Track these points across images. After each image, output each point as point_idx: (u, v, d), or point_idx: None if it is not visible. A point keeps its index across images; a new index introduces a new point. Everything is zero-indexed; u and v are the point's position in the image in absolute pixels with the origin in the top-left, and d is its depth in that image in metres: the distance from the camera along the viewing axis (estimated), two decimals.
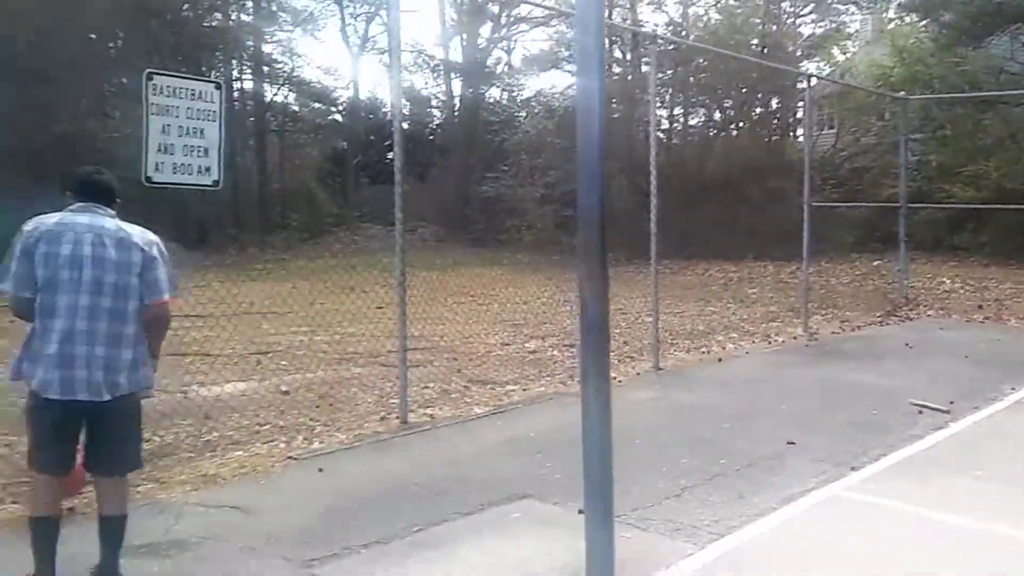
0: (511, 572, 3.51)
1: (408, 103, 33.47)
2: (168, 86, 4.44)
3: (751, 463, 5.03)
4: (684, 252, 18.36)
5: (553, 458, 5.12)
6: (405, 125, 33.39)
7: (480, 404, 6.59)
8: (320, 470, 4.89)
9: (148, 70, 4.39)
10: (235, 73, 26.42)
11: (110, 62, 22.92)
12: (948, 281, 15.01)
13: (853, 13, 24.67)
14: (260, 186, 27.88)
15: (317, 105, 32.03)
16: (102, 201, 3.37)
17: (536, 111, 22.93)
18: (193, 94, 4.53)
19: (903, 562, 3.66)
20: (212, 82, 4.79)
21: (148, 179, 4.53)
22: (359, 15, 30.10)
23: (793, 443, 5.44)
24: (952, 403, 6.52)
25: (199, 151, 4.64)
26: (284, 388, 7.04)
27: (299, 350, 9.15)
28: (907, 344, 9.54)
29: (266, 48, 26.57)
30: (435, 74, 32.62)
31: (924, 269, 15.61)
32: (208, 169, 4.71)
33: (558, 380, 7.50)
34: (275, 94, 28.55)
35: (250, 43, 25.54)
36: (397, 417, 6.05)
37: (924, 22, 18.69)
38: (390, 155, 33.22)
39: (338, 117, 33.48)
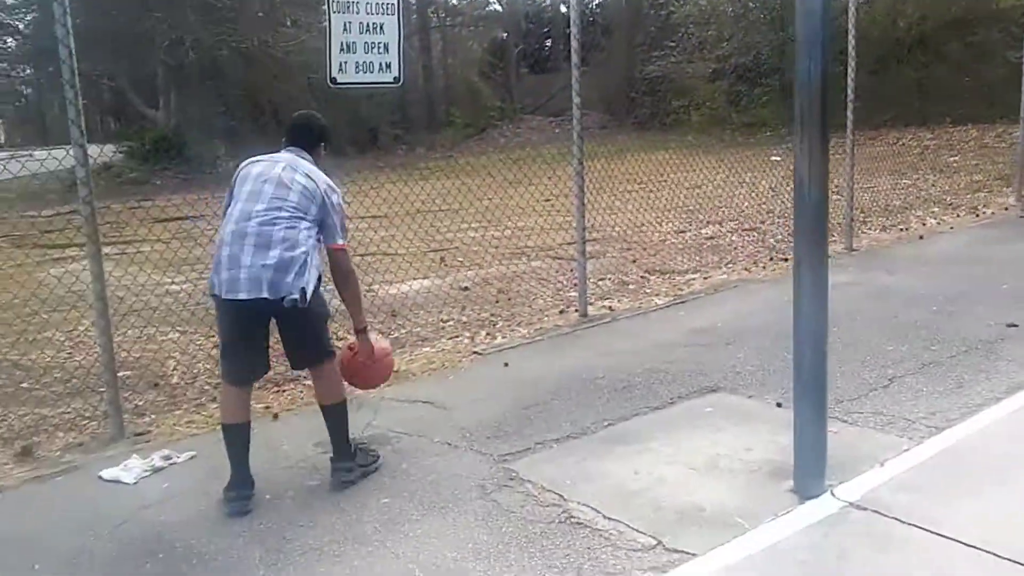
0: (710, 468, 3.38)
1: None
2: None
3: (967, 349, 4.57)
4: (873, 120, 16.85)
5: (743, 349, 4.88)
6: (563, 8, 32.73)
7: (660, 295, 6.40)
8: (506, 364, 4.93)
9: None
10: None
11: None
12: None
13: None
14: (425, 85, 28.15)
15: None
16: (302, 144, 3.48)
17: None
18: None
19: None
20: None
21: (333, 80, 4.53)
22: None
23: (1016, 325, 4.90)
24: None
25: (380, 47, 4.58)
26: (464, 284, 7.15)
27: (474, 246, 9.25)
28: None
29: None
30: None
31: None
32: (389, 65, 4.64)
33: (741, 267, 7.14)
34: None
35: None
36: (576, 310, 5.99)
37: None
38: (548, 42, 32.69)
39: (497, 7, 32.96)
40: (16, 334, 5.99)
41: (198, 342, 5.67)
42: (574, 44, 5.81)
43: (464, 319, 6.03)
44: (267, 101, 21.43)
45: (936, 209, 9.23)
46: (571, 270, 7.34)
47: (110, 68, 20.66)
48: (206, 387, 4.87)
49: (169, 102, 20.64)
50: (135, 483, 3.61)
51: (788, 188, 11.65)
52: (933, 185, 10.77)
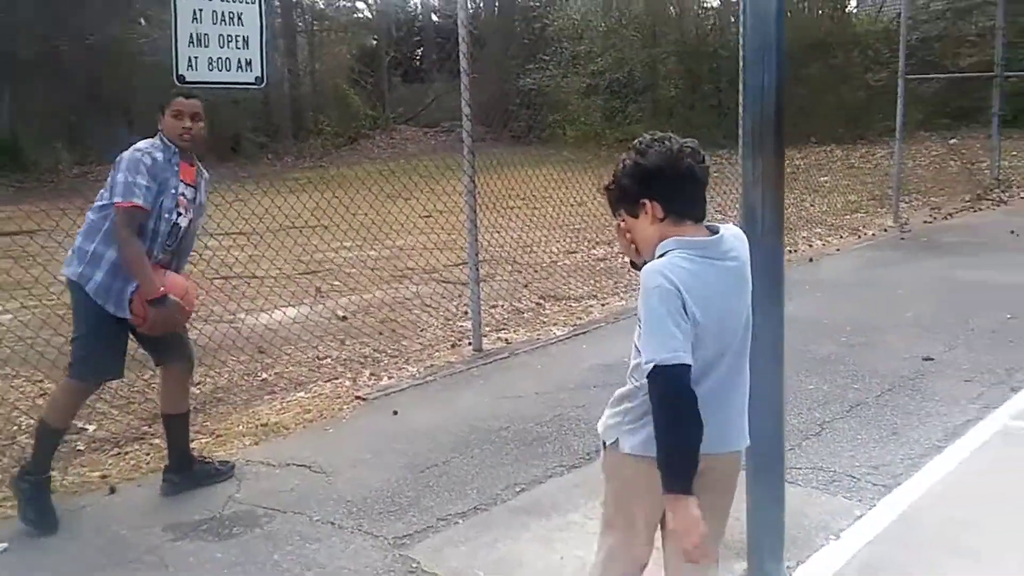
0: None
1: None
2: None
3: (891, 387, 4.33)
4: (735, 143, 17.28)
5: None
6: (435, 18, 32.21)
7: (558, 324, 5.94)
8: (395, 413, 4.30)
9: None
10: None
11: None
12: None
13: None
14: (291, 91, 26.89)
15: (343, 2, 30.62)
16: None
17: None
18: None
19: None
20: None
21: (180, 78, 3.78)
22: None
23: (931, 359, 4.72)
24: None
25: (238, 41, 3.86)
26: (341, 313, 6.44)
27: (349, 267, 8.54)
28: (1013, 231, 8.62)
29: None
30: None
31: (1011, 147, 14.37)
32: (250, 63, 3.93)
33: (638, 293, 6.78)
34: None
35: None
36: (470, 343, 5.43)
37: None
38: (420, 51, 32.07)
39: (366, 13, 32.05)
40: None
41: (22, 388, 4.73)
42: (463, 48, 5.32)
43: (344, 355, 5.35)
44: (120, 101, 19.73)
45: (819, 230, 9.27)
46: (460, 295, 6.78)
47: None
48: (24, 450, 3.98)
49: (2, 99, 18.63)
50: None
51: None
52: (811, 205, 10.89)
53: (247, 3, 3.88)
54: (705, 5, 21.88)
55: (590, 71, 20.17)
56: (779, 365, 2.64)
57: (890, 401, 4.13)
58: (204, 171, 3.51)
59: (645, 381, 1.78)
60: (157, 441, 4.04)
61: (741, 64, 2.65)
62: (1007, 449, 3.58)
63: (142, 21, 20.52)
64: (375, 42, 31.40)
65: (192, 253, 3.70)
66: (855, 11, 22.92)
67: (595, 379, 4.69)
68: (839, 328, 5.41)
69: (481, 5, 29.67)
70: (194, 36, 3.77)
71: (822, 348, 5.02)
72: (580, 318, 6.07)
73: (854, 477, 3.33)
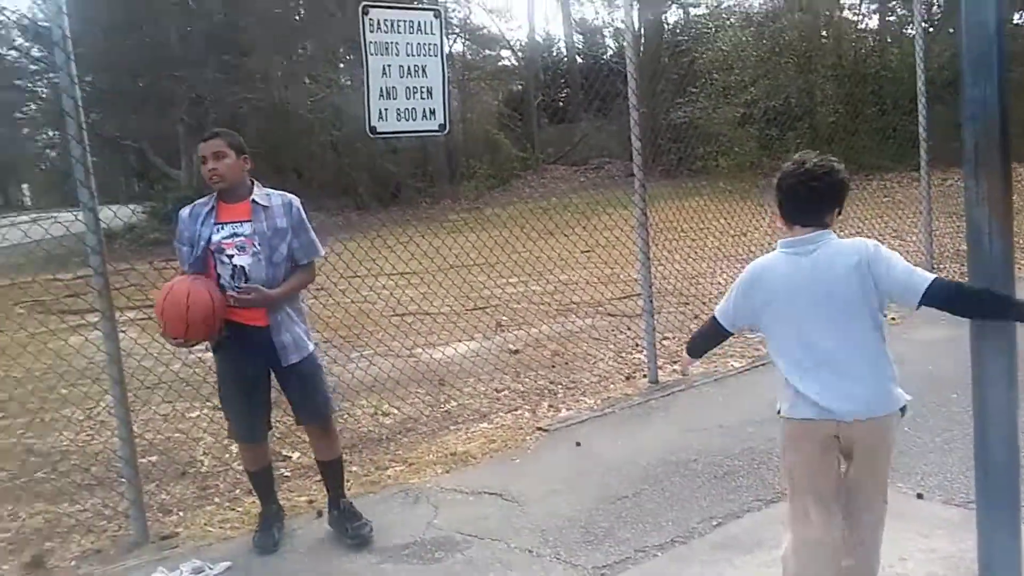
0: None
1: (582, 35, 32.43)
2: (386, 20, 3.88)
3: None
4: (909, 160, 16.34)
5: None
6: (579, 59, 32.67)
7: (734, 356, 5.79)
8: (578, 444, 4.32)
9: (364, 3, 3.84)
10: None
11: (294, 29, 23.50)
12: None
13: None
14: (446, 138, 27.96)
15: (488, 52, 31.66)
16: None
17: (729, 22, 21.11)
18: (412, 26, 3.95)
19: None
20: (431, 10, 4.19)
21: (372, 129, 4.02)
22: None
23: None
24: None
25: (423, 92, 4.08)
26: (512, 347, 6.57)
27: (516, 302, 8.71)
28: None
29: None
30: (606, 2, 31.27)
31: None
32: (433, 112, 4.14)
33: None
34: (452, 44, 28.42)
35: None
36: (644, 375, 5.39)
37: None
38: (566, 92, 32.57)
39: (510, 61, 32.97)
40: (31, 414, 5.46)
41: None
42: (632, 84, 5.34)
43: (520, 387, 5.44)
44: (289, 158, 21.21)
45: None
46: (628, 328, 6.76)
47: (132, 130, 20.54)
48: (241, 476, 4.28)
49: (191, 162, 20.46)
50: None
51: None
52: None
53: (431, 56, 4.09)
54: (862, 27, 21.06)
55: (743, 101, 19.77)
56: (1011, 391, 2.45)
57: None
58: (274, 196, 3.37)
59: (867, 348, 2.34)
60: (356, 468, 4.25)
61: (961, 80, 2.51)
62: None
63: (306, 80, 22.02)
64: (521, 87, 32.22)
65: (370, 292, 3.86)
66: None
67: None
68: None
69: (626, 43, 29.85)
70: (384, 90, 4.00)
71: None
72: (757, 349, 5.89)
73: None
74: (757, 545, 3.09)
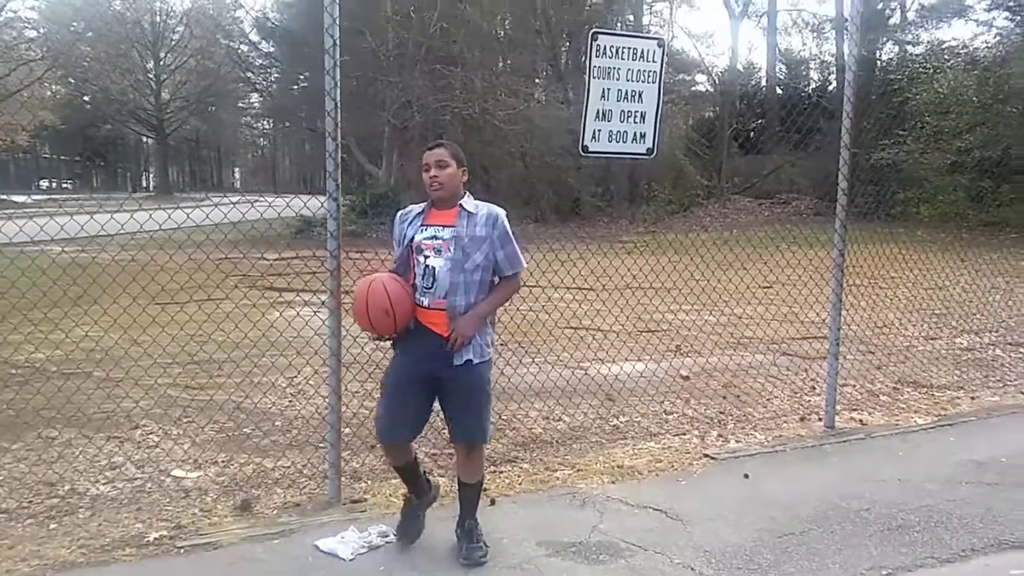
0: None
1: (785, 65, 31.58)
2: (612, 46, 4.11)
3: None
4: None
5: None
6: (779, 90, 31.79)
7: (919, 412, 5.56)
8: (746, 476, 4.34)
9: (594, 30, 4.09)
10: None
11: (500, 45, 24.51)
12: None
13: None
14: (630, 159, 28.11)
15: (683, 76, 31.45)
16: None
17: (950, 64, 19.91)
18: (635, 53, 4.16)
19: None
20: (655, 39, 4.38)
21: (584, 148, 4.26)
22: None
23: None
24: None
25: (636, 117, 4.28)
26: (684, 372, 6.61)
27: (688, 329, 8.72)
28: None
29: (644, 20, 26.51)
30: (814, 32, 30.30)
31: None
32: (643, 136, 4.33)
33: (1015, 389, 6.13)
34: None
35: (630, 16, 25.62)
36: (820, 420, 5.29)
37: None
38: (760, 122, 31.78)
39: (705, 86, 32.59)
40: (243, 375, 6.12)
41: None
42: (846, 123, 5.28)
43: (689, 413, 5.50)
44: (479, 166, 22.11)
45: None
46: (806, 370, 6.64)
47: (344, 127, 22.14)
48: (431, 453, 4.64)
49: (392, 161, 21.77)
50: (351, 559, 3.37)
51: None
52: None
53: (648, 83, 4.27)
54: None
55: (955, 147, 18.59)
56: None
57: None
58: (482, 206, 3.41)
59: None
60: (527, 466, 4.49)
61: None
62: None
63: (504, 93, 22.87)
64: (713, 113, 31.79)
65: (547, 303, 3.87)
66: None
67: (966, 475, 4.34)
68: None
69: (833, 77, 28.84)
70: (600, 112, 4.23)
71: None
72: (945, 409, 5.63)
73: None
74: None
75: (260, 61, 34.42)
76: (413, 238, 3.37)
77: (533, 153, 22.62)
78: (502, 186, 23.76)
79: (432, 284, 3.30)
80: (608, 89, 4.20)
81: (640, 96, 4.27)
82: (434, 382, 3.34)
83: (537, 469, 4.46)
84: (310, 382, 6.07)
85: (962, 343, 7.76)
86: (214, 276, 6.68)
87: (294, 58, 24.57)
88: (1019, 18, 20.65)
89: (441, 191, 3.36)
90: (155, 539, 3.50)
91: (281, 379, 6.07)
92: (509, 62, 25.31)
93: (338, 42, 3.84)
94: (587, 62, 4.12)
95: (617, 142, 4.30)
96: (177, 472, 4.30)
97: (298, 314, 8.75)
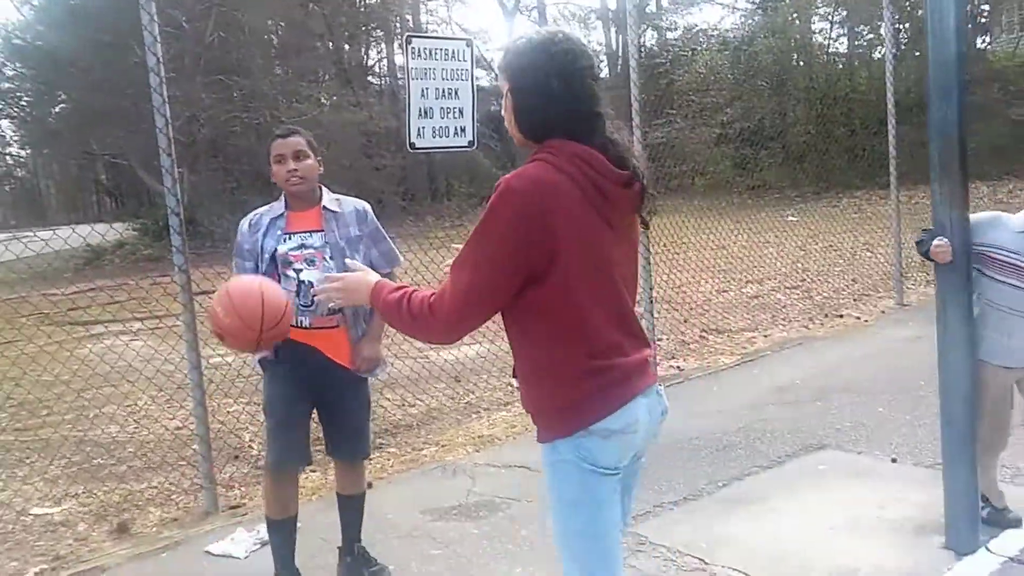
0: (850, 528, 3.29)
1: None
2: (425, 48, 4.42)
3: None
4: (878, 179, 17.15)
5: (833, 405, 4.82)
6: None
7: (724, 354, 6.36)
8: None
9: (408, 34, 4.39)
10: (395, 47, 26.92)
11: (282, 50, 24.00)
12: None
13: None
14: (425, 157, 28.46)
15: None
16: None
17: (705, 46, 21.91)
18: (447, 54, 4.49)
19: None
20: (463, 40, 4.75)
21: (412, 145, 4.55)
22: None
23: None
24: None
25: (455, 112, 4.62)
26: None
27: None
28: None
29: (422, 19, 26.90)
30: (582, 24, 32.12)
31: None
32: (464, 130, 4.68)
33: (798, 324, 7.12)
34: None
35: (408, 16, 25.90)
36: None
37: None
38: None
39: (487, 81, 33.63)
40: (76, 411, 5.86)
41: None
42: (635, 105, 5.89)
43: None
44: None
45: None
46: None
47: (123, 146, 20.84)
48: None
49: (183, 178, 20.76)
50: (246, 557, 3.48)
51: (815, 247, 11.75)
52: None
53: (462, 80, 4.63)
54: (831, 51, 21.98)
55: (719, 121, 20.53)
56: (970, 360, 3.01)
57: None
58: (346, 202, 3.07)
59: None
60: (394, 450, 4.73)
61: (923, 102, 3.05)
62: None
63: (292, 101, 22.50)
64: (499, 106, 32.94)
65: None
66: (990, 47, 22.46)
67: (771, 399, 5.09)
68: None
69: (604, 65, 30.70)
70: (422, 110, 4.53)
71: None
72: (744, 348, 6.46)
73: None
74: (755, 500, 3.63)
75: (7, 85, 31.37)
76: (276, 250, 2.93)
77: (329, 157, 22.37)
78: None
79: (312, 301, 2.88)
80: (427, 88, 4.52)
81: (456, 93, 4.62)
82: (319, 402, 3.04)
83: (404, 451, 4.71)
84: (152, 406, 5.93)
85: (749, 292, 8.81)
86: (8, 317, 6.33)
87: (51, 79, 22.78)
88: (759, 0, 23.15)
89: (302, 185, 2.94)
90: (36, 573, 3.42)
91: (118, 410, 5.88)
92: (293, 68, 24.88)
93: (162, 60, 3.86)
94: (406, 65, 4.41)
95: (441, 137, 4.63)
96: (37, 510, 4.15)
97: (111, 345, 8.35)
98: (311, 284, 2.87)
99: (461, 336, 1.86)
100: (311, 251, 2.94)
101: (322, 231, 2.97)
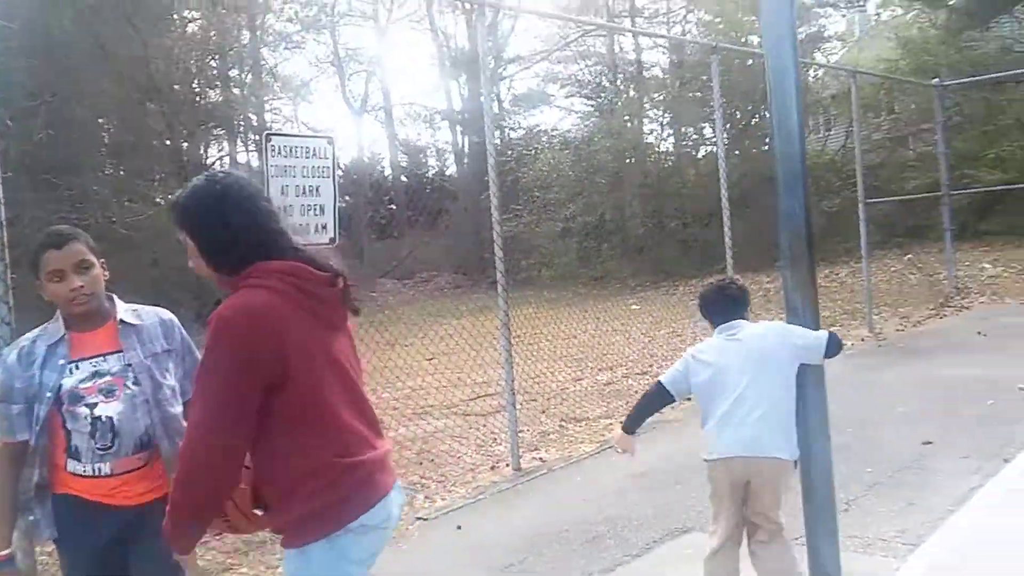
0: None
1: (406, 154, 33.81)
2: (285, 146, 4.34)
3: (899, 468, 4.86)
4: (711, 268, 18.31)
5: (693, 488, 4.92)
6: (404, 178, 33.95)
7: (584, 442, 6.42)
8: (459, 527, 4.70)
9: (267, 132, 4.31)
10: (238, 145, 26.55)
11: (116, 148, 23.04)
12: (989, 267, 14.89)
13: (831, 15, 25.28)
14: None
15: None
16: None
17: (547, 144, 22.99)
18: (308, 151, 4.43)
19: None
20: (325, 137, 4.71)
21: None
22: (351, 75, 30.53)
23: (930, 443, 5.27)
24: None
25: (316, 209, 4.54)
26: None
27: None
28: (980, 332, 9.39)
29: (266, 117, 26.73)
30: (428, 124, 33.01)
31: (960, 257, 15.48)
32: (325, 227, 4.60)
33: None
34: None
35: (252, 115, 25.67)
36: (508, 465, 5.87)
37: (926, 12, 18.91)
38: (392, 206, 33.53)
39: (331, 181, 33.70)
40: None
41: None
42: (494, 201, 6.02)
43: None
44: (112, 275, 20.40)
45: None
46: (485, 425, 7.26)
47: None
48: None
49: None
50: None
51: (660, 333, 12.27)
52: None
53: (323, 177, 4.58)
54: (660, 150, 23.55)
55: (563, 216, 21.40)
56: (827, 439, 3.17)
57: (902, 479, 4.66)
58: (144, 312, 2.60)
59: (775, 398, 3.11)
60: (245, 569, 4.39)
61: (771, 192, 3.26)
62: (1009, 502, 4.09)
63: (125, 200, 21.56)
64: (345, 203, 32.94)
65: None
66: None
67: (633, 485, 5.16)
68: (843, 421, 5.92)
69: (450, 162, 31.57)
70: (282, 207, 4.43)
71: (834, 438, 5.54)
72: (602, 435, 6.55)
73: (885, 540, 3.81)
74: None
75: None
76: (61, 386, 2.36)
77: (166, 257, 21.46)
78: (136, 296, 22.13)
79: (113, 441, 2.36)
80: (287, 186, 4.43)
81: (318, 190, 4.56)
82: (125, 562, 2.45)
83: (258, 571, 4.38)
84: None
85: (602, 379, 9.02)
86: None
87: None
88: (595, 103, 24.63)
89: (91, 302, 2.44)
90: None
91: None
92: (127, 167, 23.90)
93: None
94: (264, 163, 4.31)
95: (301, 234, 4.51)
96: None
97: None
98: (111, 421, 2.36)
99: (237, 459, 1.85)
100: (108, 379, 2.41)
101: (120, 351, 2.46)
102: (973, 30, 17.09)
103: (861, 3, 26.58)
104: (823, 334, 3.05)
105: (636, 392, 8.12)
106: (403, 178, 34.19)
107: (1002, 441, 5.12)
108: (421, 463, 6.25)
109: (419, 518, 4.96)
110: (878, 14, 26.35)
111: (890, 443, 5.38)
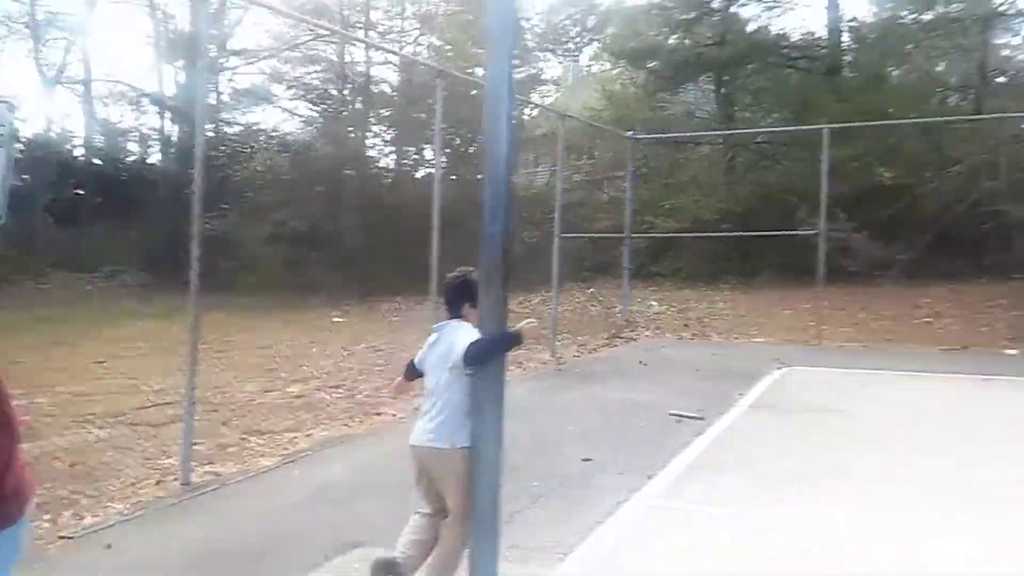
0: None
1: (104, 136, 30.67)
2: None
3: (562, 483, 5.22)
4: (417, 287, 18.66)
5: (371, 502, 4.91)
6: (98, 161, 30.68)
7: (266, 456, 6.14)
8: (108, 546, 4.25)
9: None
10: None
11: None
12: (656, 304, 16.76)
13: (549, 60, 27.31)
14: None
15: None
16: None
17: (265, 145, 22.05)
18: None
19: (721, 555, 4.02)
20: (4, 102, 3.99)
21: None
22: (48, 40, 27.25)
23: (590, 459, 5.74)
24: (702, 411, 7.29)
25: None
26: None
27: (21, 416, 7.88)
28: (641, 362, 10.50)
29: None
30: (134, 106, 30.24)
31: (634, 294, 17.28)
32: None
33: (340, 423, 7.21)
34: None
35: None
36: (175, 479, 5.44)
37: (629, 70, 20.99)
38: (81, 191, 30.18)
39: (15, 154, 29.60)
40: None
41: None
42: (197, 194, 5.61)
43: (36, 500, 5.05)
44: None
45: None
46: (155, 436, 6.70)
47: None
48: None
49: None
50: None
51: (359, 347, 12.19)
52: None
53: None
54: (380, 165, 23.70)
55: (273, 220, 20.63)
56: (500, 450, 3.30)
57: (565, 493, 5.02)
58: None
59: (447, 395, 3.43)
60: None
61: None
62: (648, 517, 4.58)
63: None
64: (23, 182, 29.06)
65: None
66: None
67: (310, 500, 5.03)
68: (518, 441, 6.28)
69: (154, 150, 29.14)
70: None
71: (509, 458, 5.83)
72: (286, 448, 6.33)
73: (541, 549, 4.06)
74: None
75: None
76: None
77: None
78: None
79: None
80: None
81: None
82: None
83: None
84: None
85: (293, 391, 8.74)
86: None
87: None
88: (320, 109, 24.10)
89: None
90: None
91: None
92: None
93: None
94: None
95: None
96: None
97: None
98: None
99: None
100: None
101: None
102: (666, 92, 19.30)
103: (576, 53, 29.00)
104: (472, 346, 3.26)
105: (328, 405, 7.99)
106: (97, 160, 30.91)
107: (648, 460, 5.72)
108: (74, 477, 5.59)
109: (62, 536, 4.42)
110: (590, 66, 28.88)
111: (560, 460, 5.78)
